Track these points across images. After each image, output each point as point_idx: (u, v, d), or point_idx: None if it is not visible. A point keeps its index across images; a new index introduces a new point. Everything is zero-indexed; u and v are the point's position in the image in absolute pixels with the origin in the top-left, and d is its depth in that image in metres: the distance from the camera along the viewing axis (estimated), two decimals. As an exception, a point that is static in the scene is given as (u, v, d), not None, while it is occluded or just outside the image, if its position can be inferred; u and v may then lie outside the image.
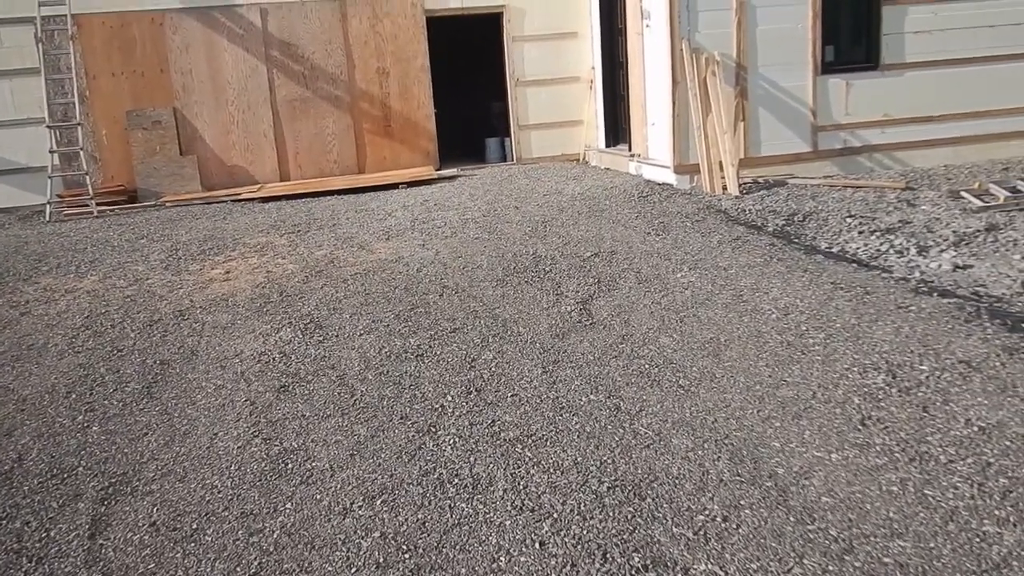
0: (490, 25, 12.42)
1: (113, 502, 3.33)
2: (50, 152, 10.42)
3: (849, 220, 7.15)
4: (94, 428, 4.01)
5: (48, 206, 10.16)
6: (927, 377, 3.84)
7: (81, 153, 10.53)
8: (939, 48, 9.47)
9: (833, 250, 6.37)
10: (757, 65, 9.09)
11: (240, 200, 10.50)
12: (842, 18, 9.41)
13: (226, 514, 3.18)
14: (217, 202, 10.50)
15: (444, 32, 12.28)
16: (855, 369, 3.99)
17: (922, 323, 4.47)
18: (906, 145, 9.59)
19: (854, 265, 5.82)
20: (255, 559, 2.87)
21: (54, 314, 5.83)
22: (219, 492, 3.34)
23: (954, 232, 6.54)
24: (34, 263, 7.39)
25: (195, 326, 5.38)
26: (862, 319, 4.60)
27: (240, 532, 3.05)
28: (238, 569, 2.82)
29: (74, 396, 4.41)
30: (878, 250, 6.30)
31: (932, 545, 2.69)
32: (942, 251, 6.16)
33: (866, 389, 3.79)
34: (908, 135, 9.57)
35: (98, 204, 10.30)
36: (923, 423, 3.45)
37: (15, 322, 5.71)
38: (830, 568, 2.61)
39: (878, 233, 6.70)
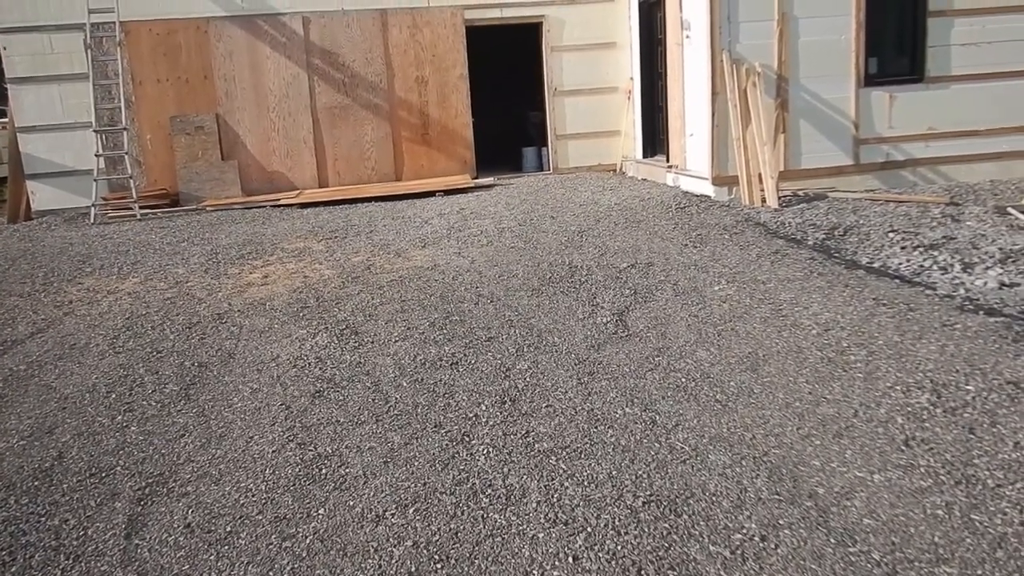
0: (529, 35, 12.45)
1: (149, 502, 3.35)
2: (96, 156, 10.65)
3: (891, 235, 7.01)
4: (133, 428, 4.06)
5: (93, 208, 10.38)
6: (973, 397, 3.73)
7: (126, 157, 10.75)
8: (987, 61, 9.29)
9: (875, 265, 6.25)
10: (799, 76, 8.98)
11: (279, 205, 10.63)
12: (886, 30, 9.27)
13: (260, 518, 3.18)
14: (257, 207, 10.64)
15: (483, 41, 12.33)
16: (898, 388, 3.90)
17: (968, 342, 4.36)
18: (951, 159, 9.41)
19: (896, 281, 5.70)
20: (288, 564, 2.87)
21: (96, 314, 5.93)
22: (253, 496, 3.36)
23: (1000, 249, 6.38)
24: (78, 264, 7.54)
25: (233, 329, 5.43)
26: (905, 336, 4.50)
27: (273, 536, 3.05)
28: (271, 573, 2.82)
29: (114, 396, 4.47)
30: (921, 266, 6.17)
31: (979, 572, 2.60)
32: (988, 268, 6.00)
33: (910, 409, 3.69)
34: (953, 149, 9.39)
35: (141, 207, 10.50)
36: (969, 445, 3.35)
37: (59, 321, 5.82)
38: (872, 592, 2.54)
39: (921, 249, 6.57)
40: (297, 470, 3.54)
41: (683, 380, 4.23)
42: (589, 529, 2.95)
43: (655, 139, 11.51)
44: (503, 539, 2.93)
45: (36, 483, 3.56)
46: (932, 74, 9.29)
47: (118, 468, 3.66)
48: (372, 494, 3.30)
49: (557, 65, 12.08)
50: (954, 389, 3.82)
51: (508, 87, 14.94)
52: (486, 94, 12.94)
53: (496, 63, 13.95)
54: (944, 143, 9.36)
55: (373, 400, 4.21)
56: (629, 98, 12.00)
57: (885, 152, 9.33)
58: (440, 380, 4.40)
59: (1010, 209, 7.62)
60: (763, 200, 8.49)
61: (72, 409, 4.33)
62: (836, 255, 6.55)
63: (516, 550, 2.86)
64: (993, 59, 9.29)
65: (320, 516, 3.17)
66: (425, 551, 2.89)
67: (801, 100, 9.04)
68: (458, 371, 4.51)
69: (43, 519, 3.27)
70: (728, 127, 8.76)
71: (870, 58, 9.16)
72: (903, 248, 6.64)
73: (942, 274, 5.95)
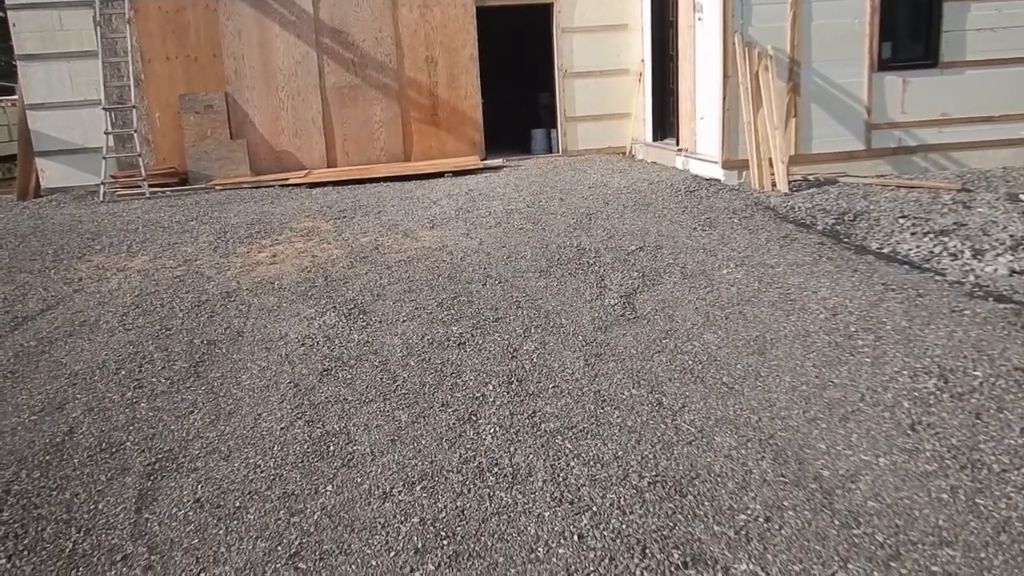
0: (540, 16, 12.37)
1: (159, 477, 3.39)
2: (105, 134, 10.67)
3: (902, 221, 6.98)
4: (142, 404, 4.10)
5: (102, 186, 10.40)
6: (981, 383, 3.73)
7: (135, 135, 10.76)
8: (1003, 46, 9.19)
9: (884, 251, 6.23)
10: (811, 60, 8.91)
11: (288, 185, 10.63)
12: (901, 14, 9.18)
13: (268, 493, 3.22)
14: (265, 186, 10.65)
15: (493, 22, 12.26)
16: (905, 372, 3.89)
17: (976, 328, 4.35)
18: (964, 145, 9.33)
19: (906, 267, 5.68)
20: (296, 539, 2.90)
21: (106, 292, 5.96)
22: (262, 472, 3.39)
23: (1011, 236, 6.34)
24: (88, 242, 7.58)
25: (242, 308, 5.46)
26: (914, 322, 4.49)
27: (282, 512, 3.08)
28: (279, 548, 2.86)
29: (123, 372, 4.50)
30: (931, 252, 6.14)
31: (983, 555, 2.61)
32: (998, 255, 5.97)
33: (916, 393, 3.69)
34: (966, 135, 9.31)
35: (150, 185, 10.52)
36: (976, 430, 3.35)
37: (69, 299, 5.85)
38: (876, 574, 2.55)
39: (931, 235, 6.53)
40: (305, 447, 3.57)
41: (690, 362, 4.23)
42: (595, 508, 2.97)
43: (665, 122, 11.45)
44: (509, 517, 2.95)
45: (47, 457, 3.60)
46: (946, 59, 9.21)
47: (128, 443, 3.70)
48: (379, 471, 3.32)
49: (567, 47, 12.01)
50: (961, 375, 3.82)
51: (518, 68, 14.87)
52: (496, 75, 12.89)
53: (506, 44, 13.87)
54: (957, 129, 9.29)
55: (381, 379, 4.23)
56: (640, 80, 11.93)
57: (897, 137, 9.26)
58: (448, 360, 4.42)
59: (1022, 196, 7.57)
60: (773, 184, 8.45)
61: (82, 385, 4.36)
62: (845, 240, 6.53)
63: (522, 528, 2.88)
64: (1009, 44, 9.19)
65: (328, 492, 3.20)
66: (432, 528, 2.91)
67: (813, 84, 8.97)
68: (465, 351, 4.53)
69: (54, 493, 3.31)
70: (739, 111, 8.71)
71: (884, 42, 9.08)
72: (913, 234, 6.60)
73: (952, 260, 5.93)
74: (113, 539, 2.97)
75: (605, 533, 2.82)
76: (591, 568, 2.64)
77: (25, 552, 2.92)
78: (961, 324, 4.41)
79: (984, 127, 9.33)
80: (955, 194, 7.96)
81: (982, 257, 5.95)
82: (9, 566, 2.85)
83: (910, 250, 6.22)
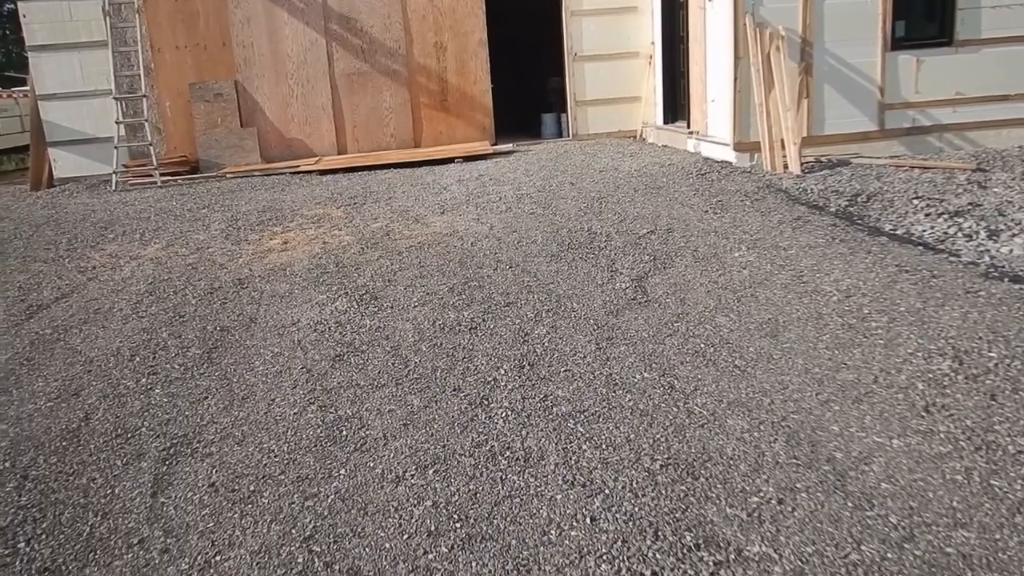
0: (549, -1, 12.30)
1: (174, 462, 3.42)
2: (116, 123, 10.70)
3: (916, 202, 6.92)
4: (157, 391, 4.12)
5: (114, 175, 10.45)
6: (996, 364, 3.70)
7: (146, 124, 10.79)
8: (1018, 23, 9.06)
9: (898, 232, 6.18)
10: (823, 40, 8.82)
11: (298, 172, 10.65)
12: (914, -8, 9.07)
13: (282, 478, 3.24)
14: (276, 174, 10.66)
15: (502, 6, 12.19)
16: (919, 354, 3.87)
17: (992, 309, 4.31)
18: (979, 125, 9.23)
19: (920, 248, 5.64)
20: (310, 522, 2.92)
21: (119, 280, 6.00)
22: (276, 456, 3.41)
23: (1028, 216, 6.28)
24: (101, 230, 7.62)
25: (254, 294, 5.48)
26: (928, 303, 4.45)
27: (295, 496, 3.10)
28: (293, 531, 2.88)
29: (138, 359, 4.53)
30: (946, 233, 6.08)
31: (998, 537, 2.60)
32: (1014, 235, 5.91)
33: (931, 375, 3.67)
34: (981, 114, 9.20)
35: (162, 174, 10.55)
36: (991, 411, 3.33)
37: (83, 287, 5.89)
38: (889, 556, 2.55)
39: (946, 216, 6.47)
40: (318, 432, 3.59)
41: (702, 346, 4.22)
42: (607, 491, 2.97)
43: (676, 105, 11.38)
44: (521, 500, 2.96)
45: (64, 443, 3.63)
46: (961, 37, 9.09)
47: (143, 429, 3.73)
48: (392, 455, 3.34)
49: (577, 30, 11.94)
50: (976, 356, 3.79)
51: (527, 53, 14.80)
52: (505, 60, 12.83)
53: (515, 28, 13.80)
54: (972, 108, 9.18)
55: (393, 364, 4.24)
56: (650, 63, 11.85)
57: (911, 117, 9.17)
58: (459, 344, 4.43)
59: (1038, 175, 7.49)
60: (785, 166, 8.39)
61: (97, 372, 4.40)
62: (859, 222, 6.48)
63: (534, 511, 2.89)
64: (1024, 22, 9.08)
65: (341, 476, 3.21)
66: (444, 511, 2.92)
67: (826, 64, 8.88)
68: (477, 336, 4.53)
69: (71, 478, 3.35)
70: (750, 92, 8.64)
71: (897, 21, 8.97)
72: (927, 215, 6.54)
73: (967, 241, 5.87)
74: (130, 523, 3.00)
75: (617, 516, 2.82)
76: (604, 550, 2.65)
77: (43, 536, 2.96)
78: (976, 305, 4.37)
79: (1000, 106, 9.22)
80: (970, 174, 7.88)
81: (997, 238, 5.89)
82: (28, 549, 2.88)
83: (924, 231, 6.17)
